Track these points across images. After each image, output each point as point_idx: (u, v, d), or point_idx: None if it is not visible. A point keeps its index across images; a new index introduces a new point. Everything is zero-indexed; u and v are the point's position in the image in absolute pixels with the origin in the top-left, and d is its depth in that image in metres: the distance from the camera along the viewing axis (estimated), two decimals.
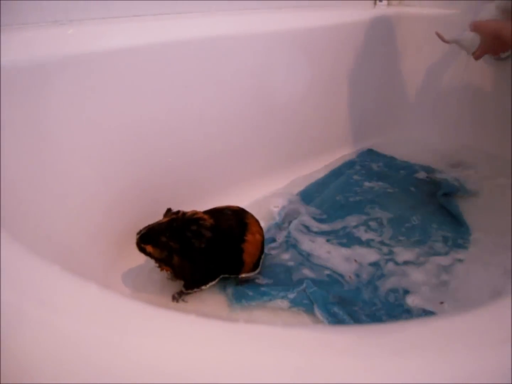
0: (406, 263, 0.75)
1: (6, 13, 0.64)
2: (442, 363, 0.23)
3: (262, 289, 0.66)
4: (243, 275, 0.69)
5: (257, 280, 0.70)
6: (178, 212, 0.65)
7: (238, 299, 0.65)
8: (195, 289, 0.66)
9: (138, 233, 0.62)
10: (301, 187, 0.99)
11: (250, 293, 0.66)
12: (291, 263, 0.75)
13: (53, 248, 0.55)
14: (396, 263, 0.75)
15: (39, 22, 0.68)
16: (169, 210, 0.66)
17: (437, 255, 0.77)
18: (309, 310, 0.63)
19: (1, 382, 0.23)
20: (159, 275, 0.67)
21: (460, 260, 0.75)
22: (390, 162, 1.14)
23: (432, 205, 0.93)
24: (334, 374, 0.22)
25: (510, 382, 0.21)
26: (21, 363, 0.24)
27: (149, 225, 0.63)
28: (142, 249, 0.62)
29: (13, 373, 0.24)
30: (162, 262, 0.63)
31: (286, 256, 0.77)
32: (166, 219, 0.63)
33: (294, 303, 0.64)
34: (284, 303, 0.64)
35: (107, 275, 0.68)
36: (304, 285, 0.66)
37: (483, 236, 0.82)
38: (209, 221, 0.64)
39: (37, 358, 0.24)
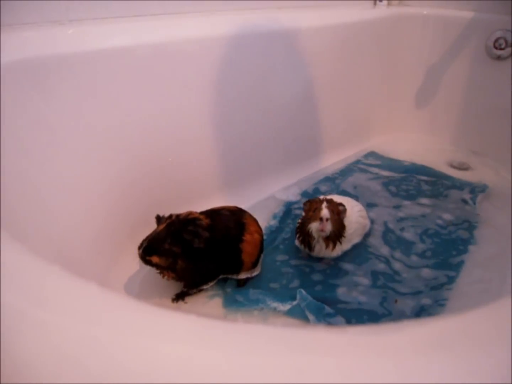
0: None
1: (6, 13, 0.64)
2: (442, 363, 0.23)
3: (258, 296, 0.65)
4: (243, 275, 0.69)
5: (256, 281, 0.70)
6: (171, 216, 0.63)
7: (232, 304, 0.65)
8: (196, 290, 0.66)
9: (139, 247, 0.61)
10: (300, 188, 0.99)
11: (244, 300, 0.65)
12: (293, 265, 0.75)
13: (53, 249, 0.55)
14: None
15: (39, 22, 0.69)
16: (158, 217, 0.65)
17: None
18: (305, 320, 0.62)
19: (1, 382, 0.23)
20: (159, 276, 0.67)
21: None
22: (393, 164, 1.13)
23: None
24: (334, 374, 0.22)
25: (510, 382, 0.21)
26: (21, 363, 0.24)
27: (148, 237, 0.61)
28: (147, 262, 0.61)
29: (13, 373, 0.24)
30: (168, 269, 0.62)
31: (288, 257, 0.76)
32: (162, 226, 0.62)
33: (288, 314, 0.63)
34: (278, 314, 0.63)
35: (107, 275, 0.68)
36: (298, 297, 0.64)
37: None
38: (205, 221, 0.63)
39: (37, 358, 0.24)
